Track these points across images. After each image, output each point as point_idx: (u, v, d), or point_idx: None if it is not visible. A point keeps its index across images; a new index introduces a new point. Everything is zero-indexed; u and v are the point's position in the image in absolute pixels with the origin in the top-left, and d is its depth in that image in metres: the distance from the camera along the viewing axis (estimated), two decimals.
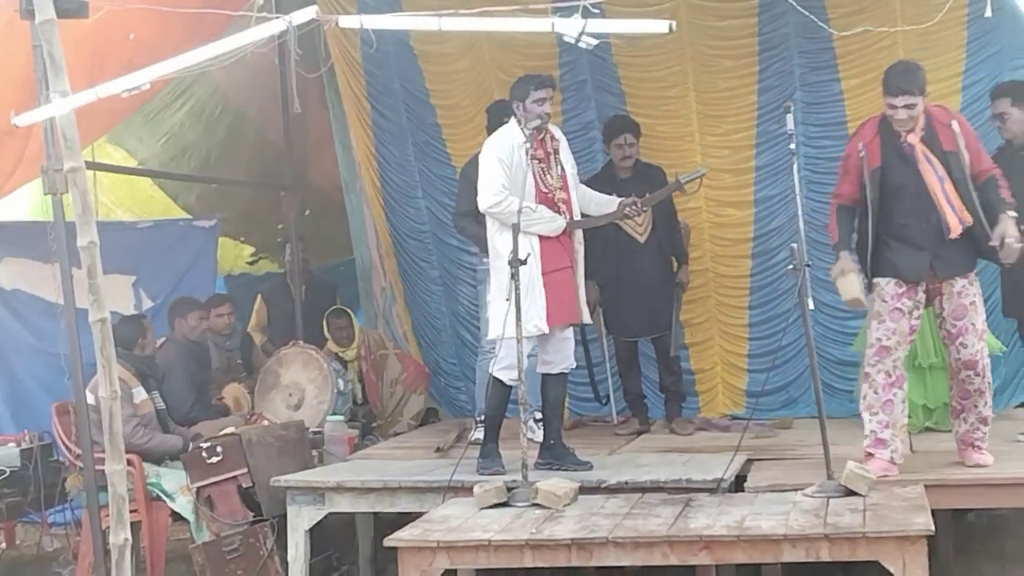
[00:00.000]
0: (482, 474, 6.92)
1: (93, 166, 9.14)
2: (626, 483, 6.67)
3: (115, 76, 6.49)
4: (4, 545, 8.88)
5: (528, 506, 6.19)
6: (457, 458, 7.03)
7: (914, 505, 5.76)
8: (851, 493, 6.00)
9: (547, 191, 7.11)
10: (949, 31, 8.50)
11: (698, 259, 9.33)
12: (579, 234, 7.29)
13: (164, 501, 7.69)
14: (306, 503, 7.11)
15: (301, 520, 7.10)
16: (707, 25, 9.16)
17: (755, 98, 9.26)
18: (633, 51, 9.28)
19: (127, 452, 5.30)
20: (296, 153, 10.69)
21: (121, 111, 9.09)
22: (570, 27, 6.60)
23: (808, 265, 6.35)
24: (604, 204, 7.49)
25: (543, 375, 7.27)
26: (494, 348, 8.13)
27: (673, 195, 8.46)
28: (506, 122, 7.29)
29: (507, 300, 6.56)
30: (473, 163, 8.42)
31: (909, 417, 7.95)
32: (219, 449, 7.47)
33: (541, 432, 7.56)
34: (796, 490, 6.23)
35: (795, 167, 6.67)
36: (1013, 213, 6.43)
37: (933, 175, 6.43)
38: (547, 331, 7.02)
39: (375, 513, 7.66)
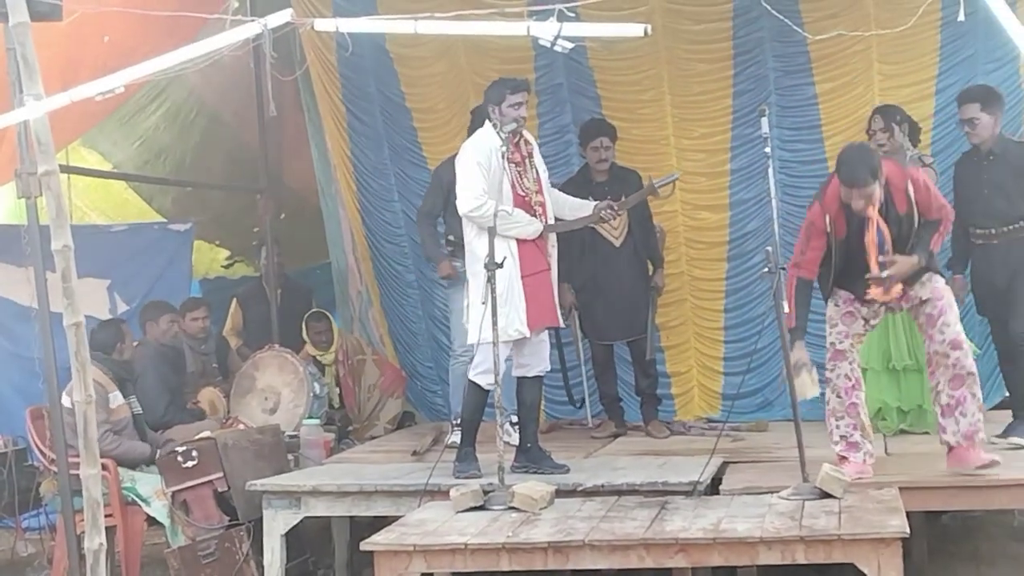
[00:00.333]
0: (458, 478, 6.92)
1: (67, 169, 9.10)
2: (602, 486, 6.68)
3: (89, 79, 6.46)
4: None
5: (505, 509, 6.19)
6: (433, 462, 7.03)
7: (889, 507, 5.78)
8: (826, 496, 6.01)
9: (524, 194, 7.12)
10: (922, 35, 8.55)
11: (674, 262, 9.35)
12: (553, 237, 7.31)
13: (139, 505, 7.65)
14: (282, 507, 7.10)
15: (277, 524, 7.09)
16: (682, 29, 9.19)
17: (730, 102, 9.29)
18: (609, 55, 9.30)
19: None
20: (271, 156, 10.67)
21: (95, 114, 9.07)
22: (546, 31, 6.60)
23: (783, 268, 6.37)
24: (578, 208, 7.51)
25: (519, 378, 7.28)
26: (466, 352, 8.16)
27: (648, 199, 8.49)
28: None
29: (483, 303, 6.57)
30: (447, 165, 8.45)
31: (883, 419, 8.03)
32: (194, 453, 7.45)
33: (517, 436, 7.56)
34: (771, 493, 6.25)
35: (770, 170, 6.69)
36: (916, 259, 6.42)
37: (878, 246, 6.42)
38: (528, 335, 7.03)
39: (351, 517, 7.65)
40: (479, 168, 6.99)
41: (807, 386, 6.39)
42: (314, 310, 9.96)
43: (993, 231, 7.57)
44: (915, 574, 6.93)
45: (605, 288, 8.63)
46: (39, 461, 7.97)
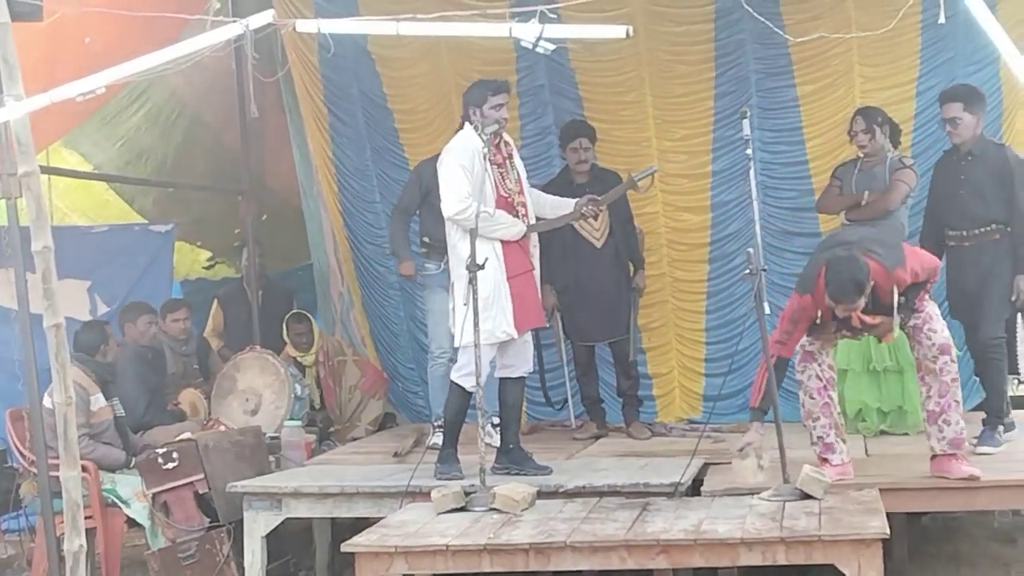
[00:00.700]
0: (440, 479, 6.91)
1: (48, 170, 9.06)
2: (584, 487, 6.69)
3: (70, 80, 6.43)
4: None
5: (486, 511, 6.20)
6: (415, 463, 7.03)
7: (869, 508, 5.80)
8: (807, 497, 6.02)
9: (506, 195, 7.12)
10: (903, 37, 8.58)
11: (655, 264, 9.36)
12: (535, 237, 7.32)
13: (119, 507, 7.64)
14: (263, 508, 7.09)
15: (258, 526, 7.07)
16: (664, 31, 9.20)
17: (711, 103, 9.31)
18: (590, 56, 9.30)
19: None
20: (253, 157, 10.64)
21: (76, 115, 9.05)
22: (528, 32, 6.61)
23: (764, 270, 6.36)
24: (559, 206, 7.52)
25: (502, 379, 7.28)
26: (444, 354, 8.18)
27: (630, 200, 8.50)
28: None
29: (464, 305, 6.57)
30: (427, 164, 8.46)
31: (863, 420, 8.05)
32: (175, 455, 7.43)
33: (498, 437, 7.56)
34: (752, 494, 6.26)
35: (751, 172, 6.67)
36: (899, 317, 6.41)
37: (862, 326, 6.48)
38: (517, 336, 7.04)
39: (332, 518, 7.65)
40: (463, 171, 6.98)
41: (747, 472, 6.27)
42: (294, 311, 9.94)
43: (965, 233, 7.56)
44: (895, 575, 6.94)
45: (587, 289, 8.63)
46: (19, 463, 7.94)
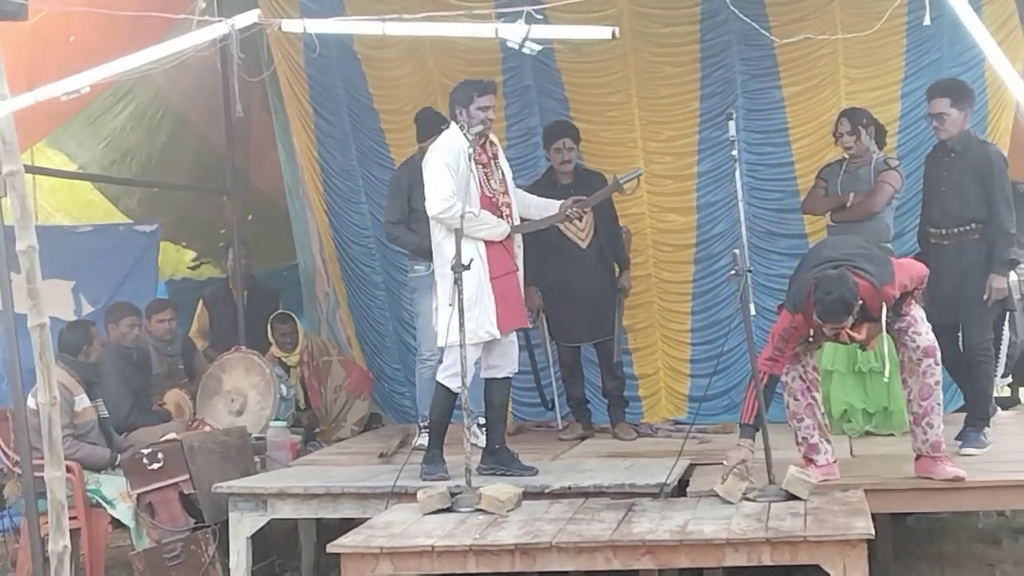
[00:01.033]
0: (426, 480, 6.91)
1: (32, 170, 9.04)
2: (569, 488, 6.68)
3: (55, 79, 6.41)
4: None
5: (472, 511, 6.19)
6: (401, 464, 7.02)
7: (854, 509, 5.81)
8: (792, 497, 6.04)
9: (491, 196, 7.12)
10: (888, 39, 8.60)
11: (641, 264, 9.37)
12: (519, 238, 7.31)
13: (104, 508, 7.62)
14: (248, 509, 7.07)
15: (243, 526, 7.06)
16: (650, 32, 9.21)
17: (697, 104, 9.32)
18: (577, 57, 9.31)
19: None
20: (238, 157, 10.63)
21: (61, 114, 9.02)
22: (514, 33, 6.60)
23: (750, 271, 6.37)
24: (544, 208, 7.51)
25: (487, 380, 7.27)
26: (433, 356, 8.16)
27: (615, 201, 8.50)
28: (444, 129, 7.30)
29: (450, 306, 6.57)
30: (402, 170, 8.47)
31: (849, 421, 8.07)
32: (160, 455, 7.41)
33: (484, 438, 7.56)
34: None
35: (737, 173, 6.68)
36: (884, 324, 6.38)
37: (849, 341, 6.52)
38: (499, 336, 7.03)
39: (318, 519, 7.64)
40: (447, 170, 6.98)
41: (735, 491, 6.19)
42: (279, 311, 9.92)
43: (945, 231, 7.52)
44: (880, 575, 6.96)
45: (572, 290, 8.63)
46: (3, 463, 7.91)
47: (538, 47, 6.86)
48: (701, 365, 9.42)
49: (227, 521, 7.13)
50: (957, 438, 7.32)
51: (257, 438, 8.32)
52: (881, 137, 8.12)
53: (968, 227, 7.44)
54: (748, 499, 6.13)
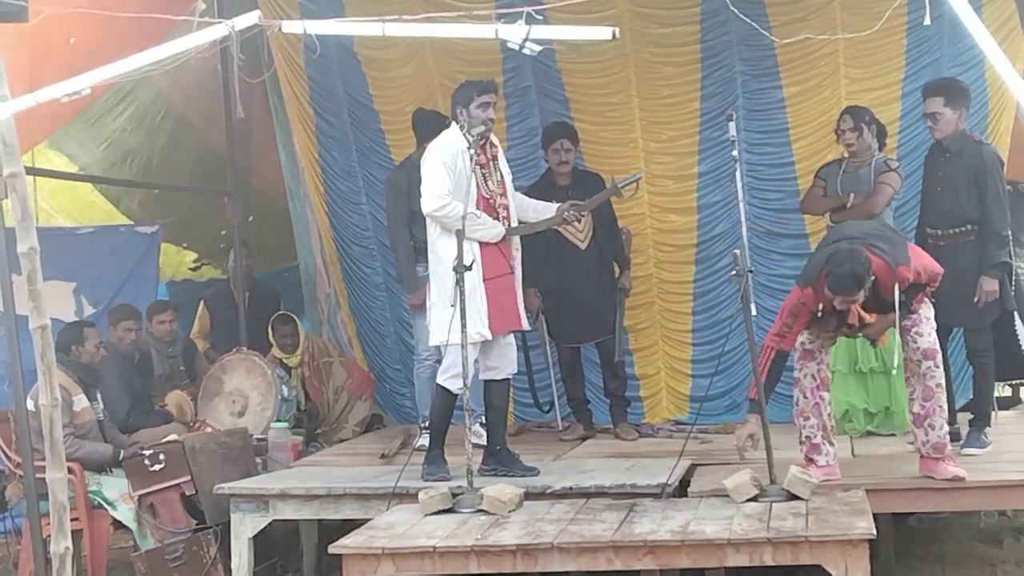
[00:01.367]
0: (427, 480, 6.91)
1: (33, 171, 9.05)
2: (571, 488, 6.68)
3: (55, 80, 6.43)
4: None
5: (473, 512, 6.19)
6: (402, 464, 7.02)
7: (855, 509, 5.81)
8: (793, 497, 6.03)
9: (489, 197, 7.11)
10: (888, 39, 8.60)
11: (642, 265, 9.37)
12: (516, 240, 7.30)
13: (105, 509, 7.61)
14: (250, 510, 7.07)
15: (245, 527, 7.06)
16: (650, 32, 9.21)
17: (697, 105, 9.32)
18: (577, 58, 9.31)
19: None
20: (239, 158, 10.62)
21: (62, 116, 9.02)
22: (514, 33, 6.62)
23: (751, 271, 6.37)
24: (542, 211, 7.50)
25: (486, 381, 7.28)
26: (431, 356, 8.16)
27: (613, 202, 8.50)
28: (446, 128, 7.30)
29: (452, 306, 6.56)
30: (398, 171, 8.48)
31: (850, 421, 8.06)
32: (161, 456, 7.42)
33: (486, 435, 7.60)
34: None
35: (737, 174, 6.68)
36: (893, 317, 6.39)
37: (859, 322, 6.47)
38: (490, 337, 7.03)
39: (319, 520, 7.64)
40: (445, 168, 6.99)
41: (742, 489, 6.19)
42: (280, 313, 9.92)
43: (940, 232, 7.50)
44: (882, 575, 6.96)
45: (571, 291, 8.63)
46: (4, 465, 7.90)
47: (538, 48, 6.88)
48: (702, 365, 9.43)
49: (229, 522, 7.13)
50: (961, 445, 7.32)
51: (258, 439, 8.32)
52: (882, 137, 8.11)
53: (963, 228, 7.42)
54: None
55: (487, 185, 7.12)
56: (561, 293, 8.69)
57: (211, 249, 12.02)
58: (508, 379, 7.34)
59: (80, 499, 7.47)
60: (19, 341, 6.72)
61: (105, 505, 7.62)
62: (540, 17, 6.53)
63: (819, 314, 6.48)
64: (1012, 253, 7.59)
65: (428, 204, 7.02)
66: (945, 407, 6.56)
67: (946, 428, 6.55)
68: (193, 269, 12.38)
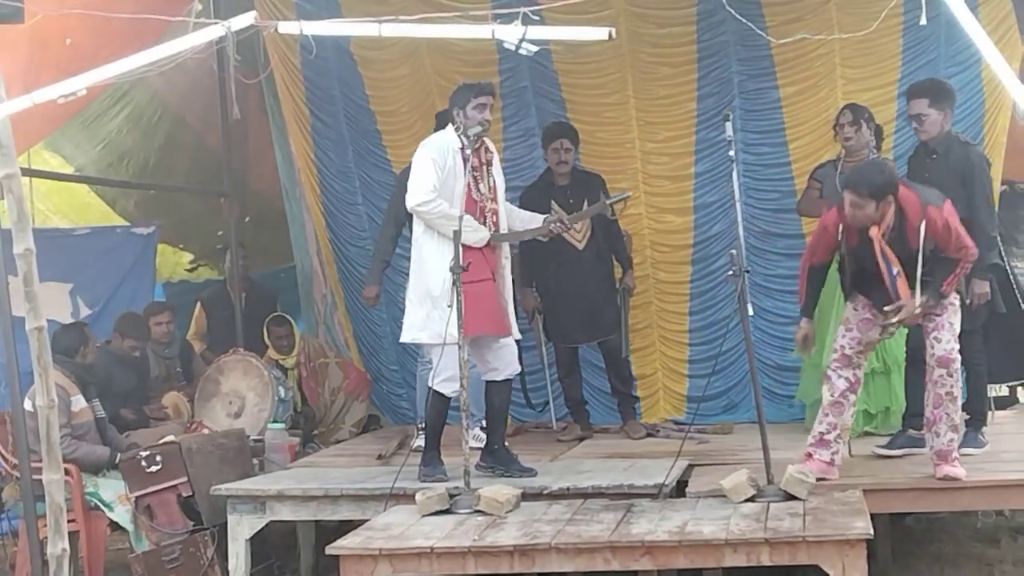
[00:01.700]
0: (424, 481, 6.91)
1: (29, 172, 9.02)
2: (568, 489, 6.68)
3: (51, 82, 6.40)
4: None
5: (470, 513, 6.19)
6: (399, 465, 7.02)
7: (853, 509, 5.81)
8: (791, 498, 6.04)
9: (478, 200, 7.10)
10: (885, 39, 8.61)
11: (639, 265, 9.36)
12: (506, 248, 7.29)
13: (102, 511, 7.61)
14: (247, 512, 7.07)
15: (242, 529, 7.06)
16: (646, 33, 9.22)
17: (694, 105, 9.33)
18: (573, 58, 9.31)
19: None
20: (235, 159, 10.62)
21: (58, 117, 9.01)
22: (510, 34, 6.61)
23: (747, 271, 6.38)
24: (529, 221, 7.46)
25: (487, 382, 7.27)
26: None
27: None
28: None
29: (448, 307, 6.57)
30: (405, 172, 8.46)
31: None
32: (158, 458, 7.41)
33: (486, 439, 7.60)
34: None
35: (734, 174, 6.69)
36: (923, 300, 6.35)
37: (886, 273, 6.38)
38: (457, 340, 6.97)
39: (316, 521, 7.63)
40: (433, 164, 7.01)
41: (741, 489, 6.17)
42: (275, 314, 9.91)
43: None
44: (879, 575, 6.96)
45: (569, 291, 8.63)
46: (1, 467, 7.90)
47: (535, 48, 6.87)
48: (699, 365, 9.43)
49: (226, 523, 7.12)
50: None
51: (255, 440, 8.32)
52: (878, 139, 8.10)
53: None
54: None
55: (477, 188, 7.11)
56: (559, 293, 8.70)
57: (208, 250, 12.02)
58: (509, 380, 7.32)
59: (77, 501, 7.47)
60: (15, 342, 6.71)
61: (102, 506, 7.61)
62: (536, 17, 6.52)
63: (839, 237, 6.51)
64: (1002, 254, 7.58)
65: (412, 199, 7.03)
66: (954, 416, 6.51)
67: (952, 436, 6.52)
68: (190, 270, 12.37)
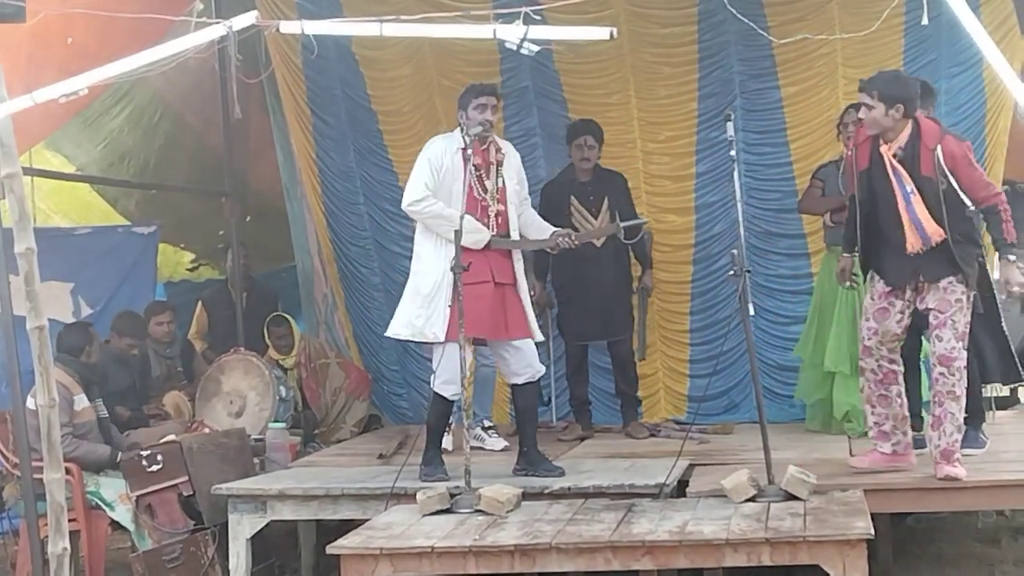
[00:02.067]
0: (425, 481, 6.90)
1: (30, 172, 9.02)
2: (569, 489, 6.68)
3: (53, 81, 6.41)
4: None
5: (471, 512, 6.19)
6: (400, 465, 7.02)
7: (854, 509, 5.81)
8: (792, 498, 6.03)
9: (480, 200, 7.09)
10: (886, 39, 8.60)
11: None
12: (518, 252, 7.28)
13: (103, 510, 7.61)
14: (248, 511, 7.06)
15: (243, 528, 7.05)
16: (648, 33, 9.22)
17: (695, 105, 9.33)
18: (575, 58, 9.31)
19: None
20: (237, 159, 10.62)
21: (59, 116, 9.02)
22: (512, 33, 6.61)
23: (748, 271, 6.37)
24: (541, 230, 7.43)
25: (511, 386, 7.31)
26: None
27: (633, 200, 8.51)
28: None
29: (449, 306, 6.57)
30: None
31: (850, 421, 8.07)
32: (159, 457, 7.41)
33: (490, 440, 7.60)
34: None
35: (735, 174, 6.68)
36: (1012, 256, 6.41)
37: (899, 191, 6.39)
38: (443, 340, 6.97)
39: (317, 521, 7.63)
40: (428, 164, 7.04)
41: (741, 489, 6.15)
42: (274, 314, 9.90)
43: None
44: (880, 575, 6.96)
45: (584, 289, 8.63)
46: (2, 465, 7.90)
47: (536, 48, 6.88)
48: (700, 365, 9.43)
49: (226, 523, 7.12)
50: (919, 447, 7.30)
51: (256, 439, 8.31)
52: None
53: None
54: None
55: (482, 187, 7.10)
56: (574, 291, 8.71)
57: (209, 249, 12.01)
58: (533, 382, 7.27)
59: (78, 500, 7.47)
60: (17, 342, 6.72)
61: (103, 506, 7.62)
62: (538, 17, 6.52)
63: (851, 153, 6.61)
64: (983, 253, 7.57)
65: (405, 198, 7.11)
66: (957, 415, 6.51)
67: (956, 436, 6.51)
68: (191, 269, 12.38)
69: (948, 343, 6.44)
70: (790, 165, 9.19)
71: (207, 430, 8.30)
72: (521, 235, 7.31)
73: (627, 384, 8.88)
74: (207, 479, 7.36)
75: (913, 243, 6.41)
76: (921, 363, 7.51)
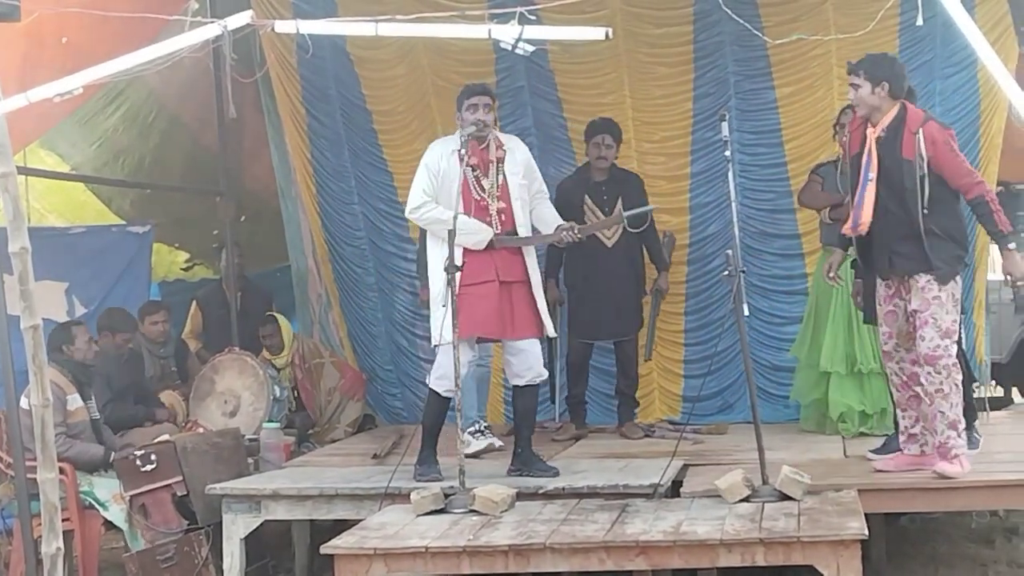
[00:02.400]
0: (419, 481, 6.90)
1: (25, 171, 9.02)
2: (563, 489, 6.68)
3: (47, 80, 6.41)
4: None
5: (465, 512, 6.19)
6: (394, 465, 7.02)
7: (848, 509, 5.81)
8: (786, 498, 6.04)
9: (480, 199, 7.09)
10: (881, 39, 8.57)
11: None
12: (531, 249, 7.27)
13: (97, 510, 7.60)
14: (242, 511, 7.06)
15: (237, 528, 7.05)
16: (643, 33, 9.22)
17: (690, 105, 9.33)
18: (570, 58, 9.31)
19: None
20: (231, 158, 10.61)
21: (53, 115, 9.00)
22: (507, 33, 6.61)
23: (743, 271, 6.39)
24: (550, 226, 7.42)
25: (513, 387, 7.32)
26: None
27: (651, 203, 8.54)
28: None
29: (444, 307, 6.57)
30: None
31: (844, 422, 8.06)
32: (153, 457, 7.41)
33: (475, 443, 7.61)
34: None
35: (730, 174, 6.71)
36: (1012, 244, 6.44)
37: (862, 172, 6.46)
38: (439, 341, 6.96)
39: (311, 520, 7.62)
40: (426, 170, 7.07)
41: (735, 489, 6.17)
42: (264, 314, 9.91)
43: None
44: (873, 575, 6.96)
45: (595, 287, 8.63)
46: None
47: (531, 48, 6.87)
48: (695, 366, 9.42)
49: (220, 523, 7.12)
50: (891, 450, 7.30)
51: (250, 439, 8.30)
52: None
53: None
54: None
55: (480, 187, 7.10)
56: (585, 288, 8.72)
57: (203, 249, 11.99)
58: (533, 385, 7.27)
59: (71, 499, 7.47)
60: (10, 341, 6.71)
61: (96, 505, 7.60)
62: (533, 17, 6.53)
63: (845, 139, 6.68)
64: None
65: (406, 207, 7.17)
66: (948, 413, 6.48)
67: (949, 433, 6.50)
68: (185, 269, 12.35)
69: (931, 342, 6.44)
70: (785, 166, 9.19)
71: (201, 430, 8.31)
72: (533, 229, 7.31)
73: (627, 384, 8.89)
74: (201, 479, 7.36)
75: (857, 223, 6.51)
76: None
